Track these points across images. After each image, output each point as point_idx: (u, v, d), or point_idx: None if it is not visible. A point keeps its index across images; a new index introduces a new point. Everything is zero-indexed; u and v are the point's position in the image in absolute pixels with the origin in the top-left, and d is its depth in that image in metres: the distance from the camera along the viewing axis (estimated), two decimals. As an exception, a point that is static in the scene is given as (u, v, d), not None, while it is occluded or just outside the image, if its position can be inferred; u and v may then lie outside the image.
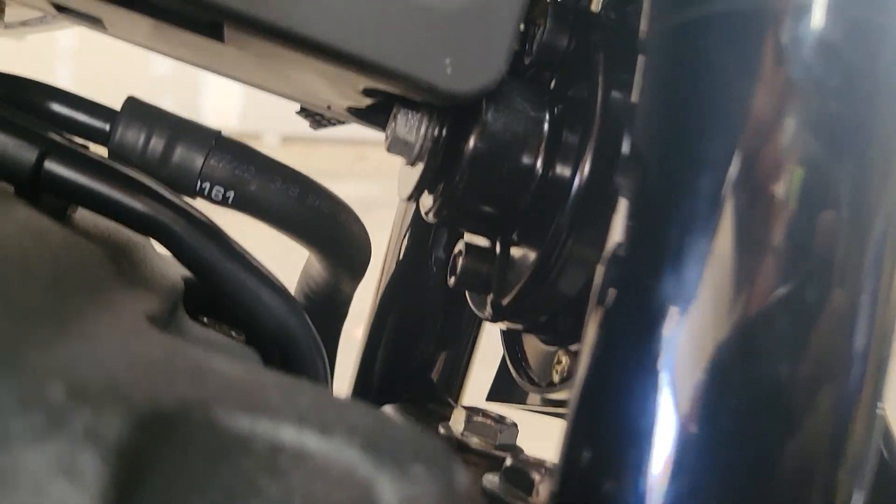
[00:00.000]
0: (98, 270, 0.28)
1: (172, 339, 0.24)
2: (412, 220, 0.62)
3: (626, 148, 0.28)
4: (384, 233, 0.65)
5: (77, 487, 0.15)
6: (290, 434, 0.20)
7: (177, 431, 0.18)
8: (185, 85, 4.75)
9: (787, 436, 0.25)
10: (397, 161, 0.43)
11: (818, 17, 0.25)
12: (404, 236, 0.62)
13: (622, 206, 0.27)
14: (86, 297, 0.24)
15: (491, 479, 0.42)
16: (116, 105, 0.45)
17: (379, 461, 0.20)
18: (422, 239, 0.61)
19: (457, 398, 0.63)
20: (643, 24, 0.29)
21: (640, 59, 0.28)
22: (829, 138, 0.25)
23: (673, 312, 0.25)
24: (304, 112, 0.55)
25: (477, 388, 0.62)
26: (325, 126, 0.56)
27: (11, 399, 0.15)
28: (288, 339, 0.39)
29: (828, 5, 0.25)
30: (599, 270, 0.27)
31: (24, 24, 0.65)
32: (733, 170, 0.24)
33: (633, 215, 0.27)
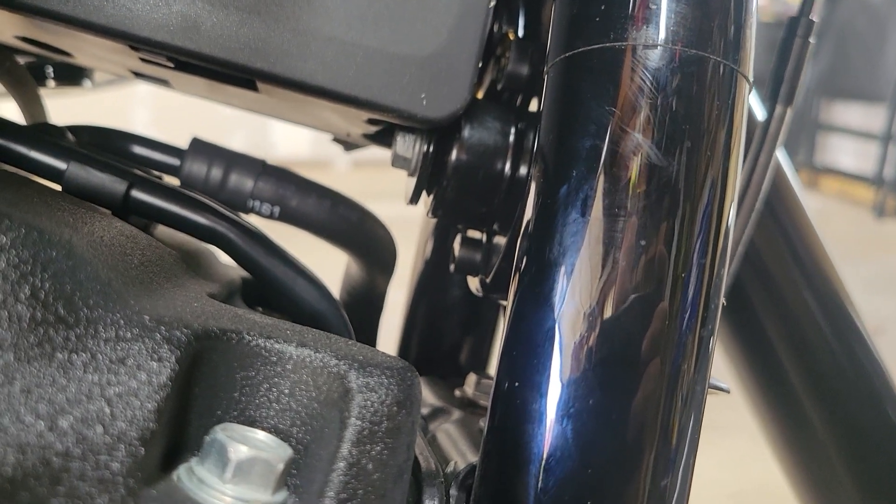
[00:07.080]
0: (172, 264, 0.39)
1: (224, 305, 0.35)
2: (434, 227, 0.72)
3: (535, 149, 0.38)
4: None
5: (161, 365, 0.26)
6: (292, 350, 0.30)
7: (220, 343, 0.29)
8: (257, 120, 4.97)
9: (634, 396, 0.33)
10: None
11: (656, 53, 0.34)
12: (428, 242, 0.73)
13: (529, 192, 0.37)
14: (163, 277, 0.35)
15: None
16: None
17: (350, 365, 0.30)
18: (443, 243, 0.72)
19: (482, 375, 0.73)
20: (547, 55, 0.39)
21: (545, 79, 0.38)
22: (663, 140, 0.34)
23: (560, 282, 0.34)
24: (336, 139, 0.66)
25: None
26: (353, 149, 0.67)
27: (120, 319, 0.27)
28: (320, 317, 0.50)
29: (662, 42, 0.34)
30: (518, 245, 0.37)
31: (109, 82, 0.79)
32: (597, 162, 0.34)
33: (535, 199, 0.37)
